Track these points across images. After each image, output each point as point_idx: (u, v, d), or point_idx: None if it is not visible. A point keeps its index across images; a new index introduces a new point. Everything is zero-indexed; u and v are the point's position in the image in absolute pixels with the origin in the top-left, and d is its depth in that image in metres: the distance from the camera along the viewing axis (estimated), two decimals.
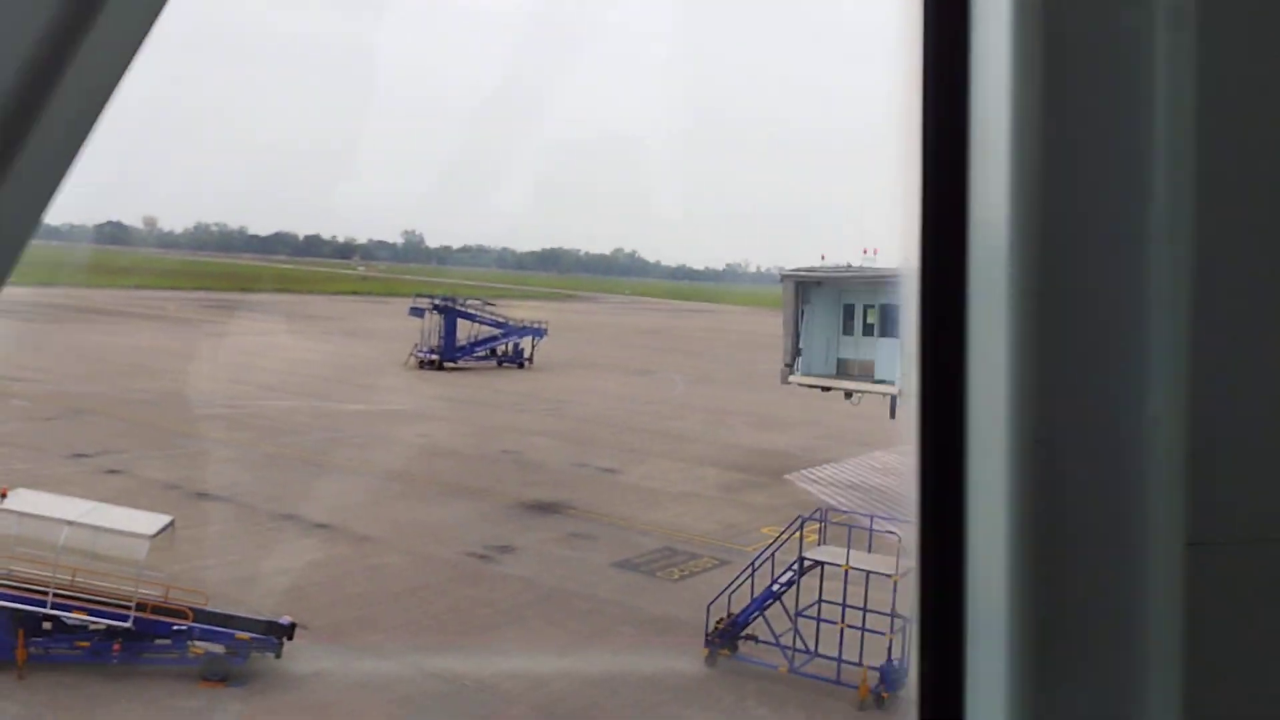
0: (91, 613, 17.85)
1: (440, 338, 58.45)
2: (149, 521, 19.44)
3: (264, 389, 47.29)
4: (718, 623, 19.14)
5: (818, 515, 20.55)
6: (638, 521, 28.73)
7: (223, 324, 76.01)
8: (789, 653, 18.78)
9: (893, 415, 33.51)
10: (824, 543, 19.93)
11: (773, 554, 19.60)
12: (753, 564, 20.01)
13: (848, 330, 34.36)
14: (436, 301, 59.40)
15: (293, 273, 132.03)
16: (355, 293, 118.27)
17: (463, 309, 59.60)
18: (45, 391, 43.03)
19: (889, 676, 17.86)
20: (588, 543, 26.59)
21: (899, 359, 30.78)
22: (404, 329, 62.05)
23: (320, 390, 47.58)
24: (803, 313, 33.20)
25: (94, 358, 54.56)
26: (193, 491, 29.39)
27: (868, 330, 33.83)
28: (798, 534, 19.50)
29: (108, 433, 36.61)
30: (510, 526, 27.46)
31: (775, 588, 19.13)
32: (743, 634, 19.14)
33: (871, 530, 19.78)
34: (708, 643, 19.06)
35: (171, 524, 19.47)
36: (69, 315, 70.37)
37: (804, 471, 37.97)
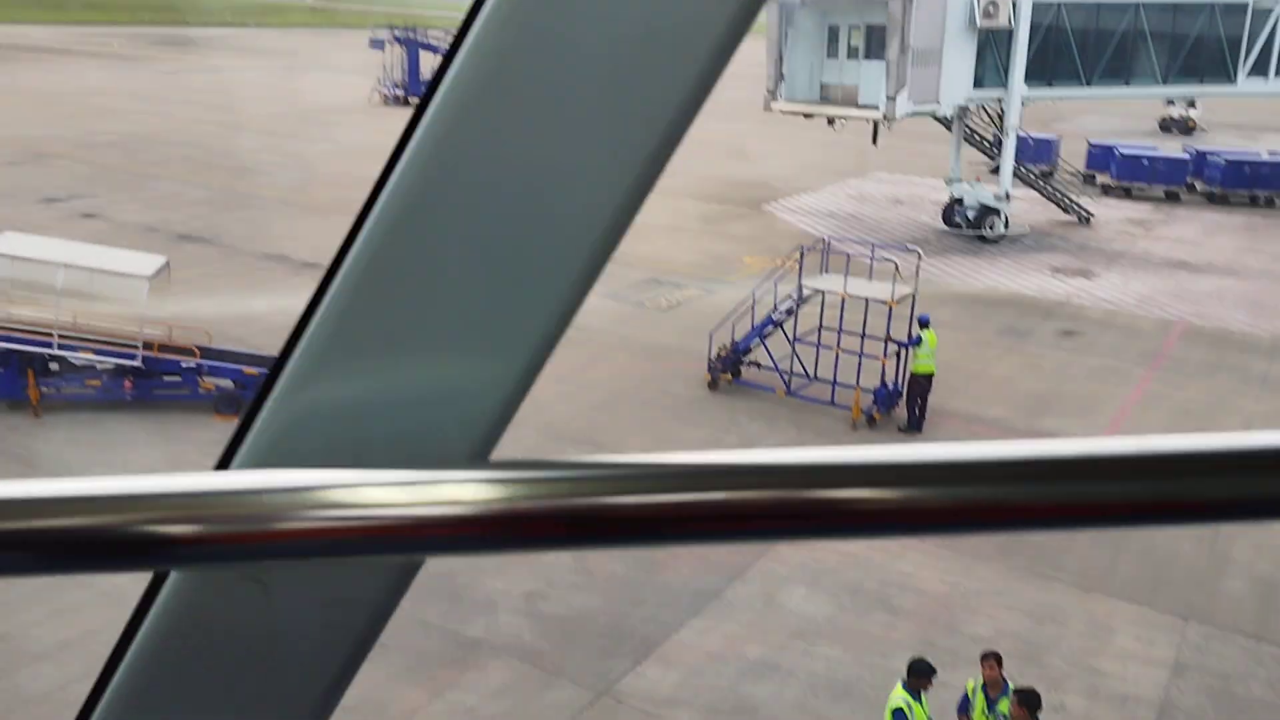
0: (98, 352, 17.97)
1: (405, 73, 56.13)
2: (144, 262, 19.24)
3: (229, 128, 45.74)
4: (720, 350, 19.64)
5: (819, 245, 20.67)
6: (621, 255, 28.73)
7: (174, 61, 72.36)
8: (787, 377, 19.43)
9: (874, 141, 33.06)
10: (825, 271, 20.17)
11: (774, 283, 19.86)
12: (754, 293, 20.30)
13: (832, 54, 33.21)
14: (397, 33, 56.59)
15: (240, 3, 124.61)
16: (306, 25, 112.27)
17: (426, 41, 56.84)
18: (1, 135, 41.38)
19: (882, 398, 18.60)
20: None
21: (883, 82, 29.99)
22: (365, 63, 59.40)
23: (287, 129, 46.08)
24: (786, 35, 31.92)
25: (47, 99, 52.16)
26: (173, 234, 28.98)
27: (852, 53, 32.71)
28: (797, 263, 19.70)
29: (75, 176, 35.56)
30: None
31: (775, 315, 19.52)
32: (743, 360, 19.70)
33: (873, 259, 20.00)
34: (710, 368, 19.63)
35: (167, 265, 19.29)
36: (10, 54, 66.55)
37: (783, 201, 37.92)
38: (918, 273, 20.88)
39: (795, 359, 19.45)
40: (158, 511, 0.70)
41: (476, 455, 0.85)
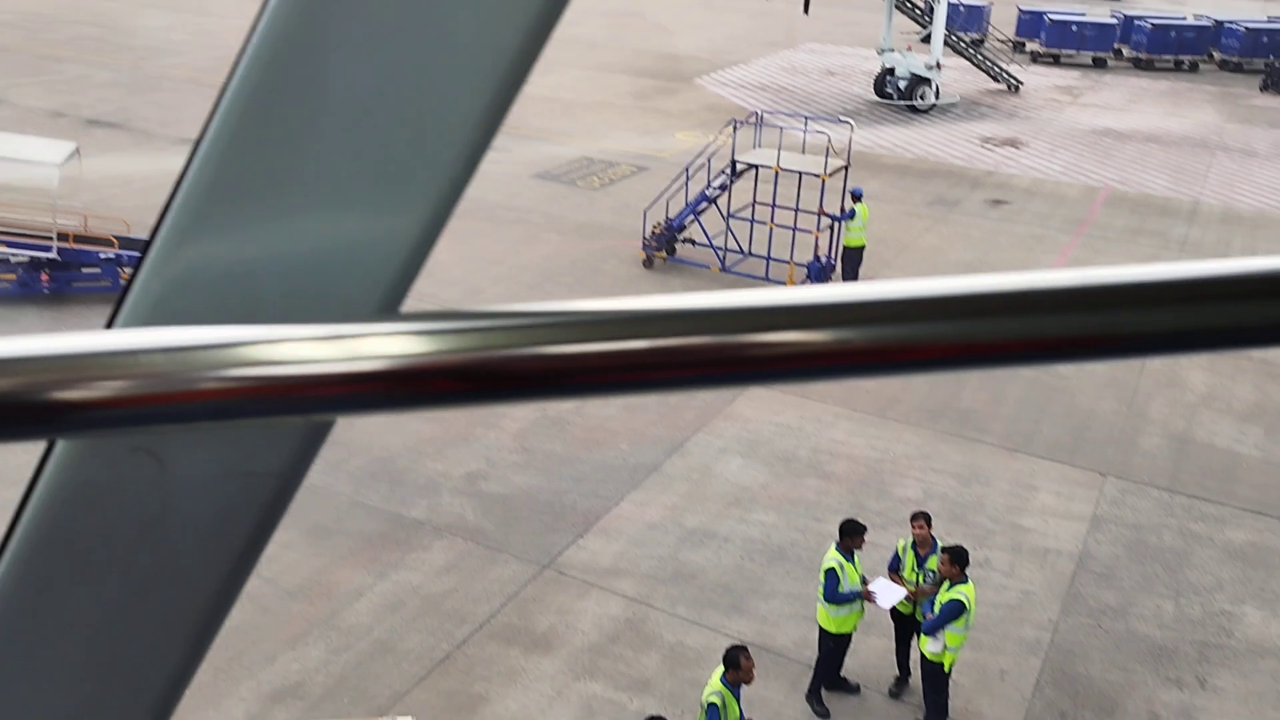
0: (10, 245, 17.32)
1: None
2: (53, 149, 18.44)
3: (137, 5, 43.43)
4: (654, 227, 19.54)
5: (752, 119, 20.46)
6: (551, 132, 28.33)
7: None
8: (721, 253, 19.45)
9: (805, 10, 32.53)
10: (758, 145, 20.02)
11: (708, 159, 19.69)
12: (686, 169, 20.12)
13: None
14: None
15: None
16: None
17: None
18: None
19: (815, 272, 18.75)
20: (505, 155, 26.31)
21: None
22: None
23: (196, 4, 43.86)
24: None
25: None
26: (81, 119, 27.73)
27: None
28: (730, 137, 19.52)
29: None
30: None
31: (709, 192, 19.42)
32: (678, 237, 19.65)
33: (805, 132, 19.87)
34: (644, 246, 19.56)
35: (77, 150, 18.50)
36: None
37: (714, 74, 37.33)
38: (850, 145, 20.84)
39: (730, 235, 19.45)
40: (31, 375, 0.64)
41: (384, 310, 0.80)
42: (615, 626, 10.90)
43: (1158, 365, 17.00)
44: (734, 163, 19.28)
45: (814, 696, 9.94)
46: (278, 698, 9.88)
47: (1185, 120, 33.41)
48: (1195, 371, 16.88)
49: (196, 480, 0.86)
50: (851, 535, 9.63)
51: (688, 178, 19.85)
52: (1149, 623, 11.24)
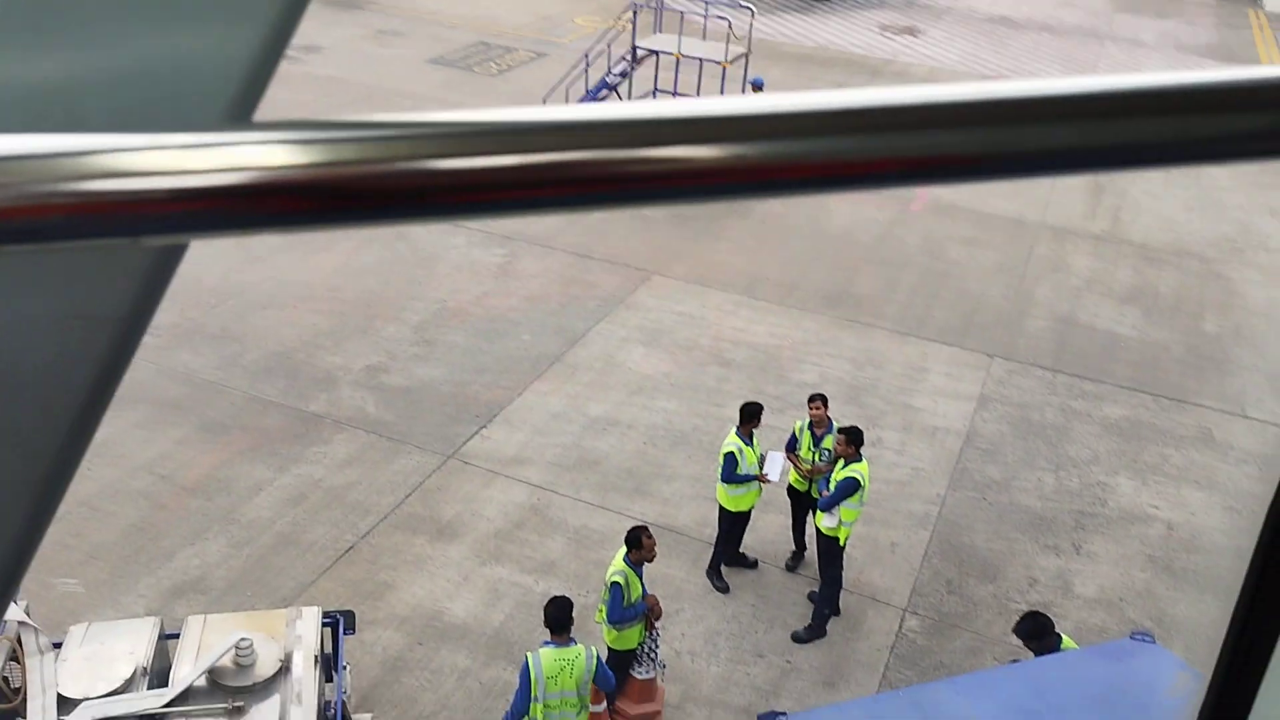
0: None
1: None
2: None
3: None
4: None
5: (652, 3, 20.04)
6: (446, 15, 27.40)
7: None
8: None
9: None
10: (658, 31, 19.67)
11: (608, 45, 19.29)
12: (586, 55, 19.69)
13: None
14: None
15: None
16: None
17: None
18: None
19: None
20: (399, 39, 25.42)
21: None
22: None
23: None
24: None
25: None
26: None
27: None
28: (630, 22, 19.13)
29: None
30: (311, 24, 25.69)
31: (609, 79, 19.08)
32: None
33: (706, 18, 19.57)
34: None
35: None
36: None
37: None
38: (750, 32, 20.61)
39: None
40: None
41: (233, 118, 0.72)
42: (520, 513, 11.04)
43: (1045, 251, 17.55)
44: (634, 49, 18.94)
45: (714, 572, 10.28)
46: (178, 592, 9.81)
47: (1077, 9, 33.84)
48: (1080, 256, 17.48)
49: (25, 328, 0.76)
50: (750, 419, 9.85)
51: (588, 64, 19.46)
52: (1030, 495, 11.83)
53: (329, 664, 7.88)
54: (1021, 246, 17.63)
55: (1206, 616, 10.32)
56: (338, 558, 10.34)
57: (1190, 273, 17.26)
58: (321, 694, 7.39)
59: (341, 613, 8.22)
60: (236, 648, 7.10)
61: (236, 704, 7.02)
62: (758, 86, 18.42)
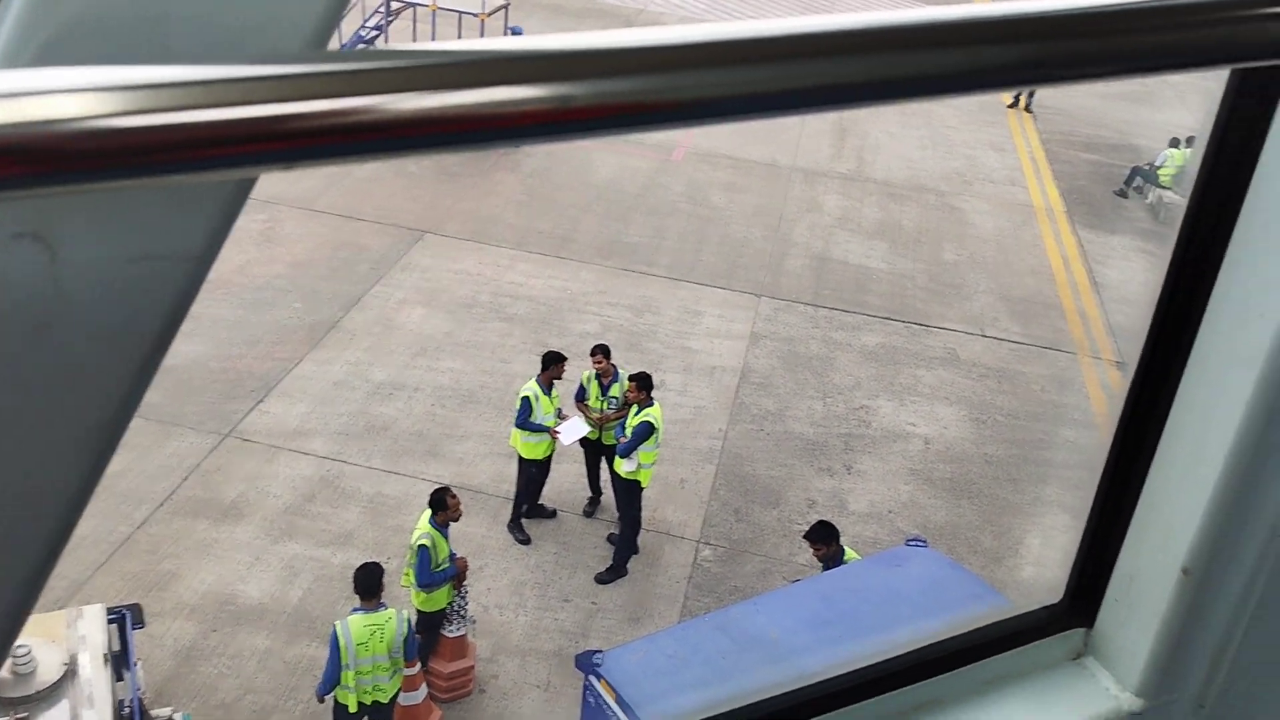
0: None
1: None
2: None
3: None
4: None
5: None
6: None
7: None
8: None
9: None
10: None
11: None
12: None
13: None
14: None
15: None
16: None
17: None
18: None
19: None
20: None
21: None
22: None
23: None
24: None
25: None
26: None
27: None
28: None
29: None
30: None
31: (364, 32, 18.45)
32: None
33: None
34: None
35: None
36: None
37: None
38: None
39: None
40: None
41: (312, 46, 0.70)
42: (310, 486, 10.75)
43: (799, 193, 18.49)
44: (389, 1, 18.38)
45: (515, 525, 10.41)
46: None
47: None
48: (831, 196, 18.52)
49: (94, 270, 0.73)
50: (549, 366, 10.02)
51: (343, 14, 18.71)
52: (802, 422, 12.59)
53: (119, 662, 7.49)
54: (778, 190, 18.49)
55: (964, 520, 11.38)
56: (112, 551, 9.75)
57: (929, 206, 18.65)
58: (115, 694, 7.04)
59: (127, 607, 7.82)
60: (12, 656, 6.64)
61: (19, 716, 6.60)
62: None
